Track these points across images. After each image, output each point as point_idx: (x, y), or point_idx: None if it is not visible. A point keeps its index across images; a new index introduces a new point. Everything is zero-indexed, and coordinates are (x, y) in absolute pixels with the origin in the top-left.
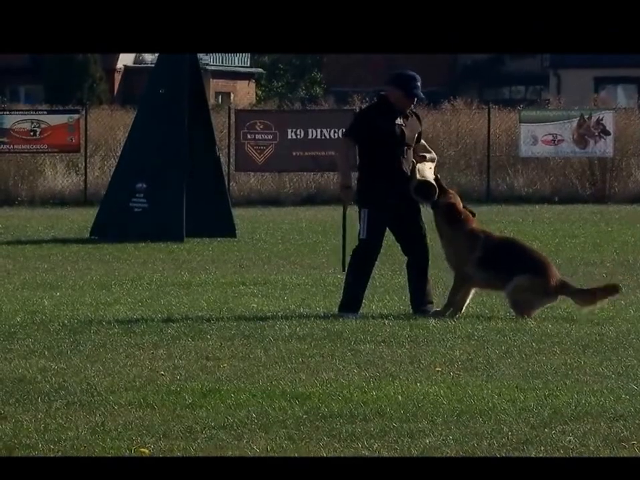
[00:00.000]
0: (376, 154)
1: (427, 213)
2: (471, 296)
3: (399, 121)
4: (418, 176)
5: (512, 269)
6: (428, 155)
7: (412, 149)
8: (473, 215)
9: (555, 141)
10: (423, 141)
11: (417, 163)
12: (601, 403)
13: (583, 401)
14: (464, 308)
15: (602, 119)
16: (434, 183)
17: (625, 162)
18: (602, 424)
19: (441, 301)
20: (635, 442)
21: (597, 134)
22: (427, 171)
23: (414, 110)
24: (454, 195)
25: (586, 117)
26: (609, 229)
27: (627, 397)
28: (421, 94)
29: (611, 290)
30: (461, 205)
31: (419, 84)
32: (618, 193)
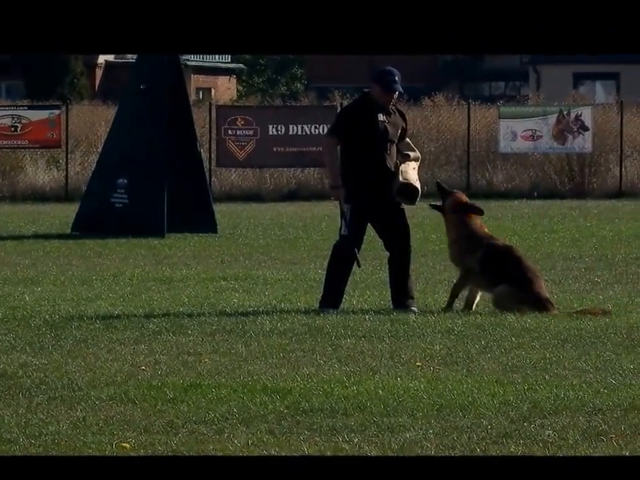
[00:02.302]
0: (359, 151)
1: (410, 210)
2: (479, 294)
3: (381, 117)
4: (401, 178)
5: (501, 277)
6: (412, 154)
7: (395, 145)
8: (482, 212)
9: (534, 136)
10: (407, 139)
11: (400, 162)
12: (579, 396)
13: (562, 395)
14: (474, 306)
15: (581, 115)
16: (416, 184)
17: (604, 157)
18: (581, 418)
19: (422, 296)
20: (613, 435)
21: (575, 130)
22: (410, 171)
23: (397, 107)
24: (460, 194)
25: (565, 112)
26: (588, 224)
27: (606, 390)
28: (399, 88)
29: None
30: (468, 202)
31: (396, 78)
32: (596, 189)
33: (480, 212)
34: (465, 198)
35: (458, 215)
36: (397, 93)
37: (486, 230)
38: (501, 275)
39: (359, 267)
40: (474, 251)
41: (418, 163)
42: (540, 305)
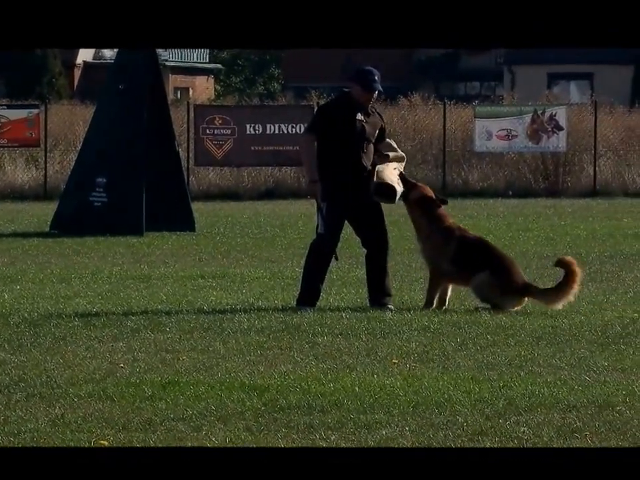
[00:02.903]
0: (336, 149)
1: (388, 207)
2: (450, 289)
3: (359, 116)
4: (375, 177)
5: (478, 268)
6: (391, 154)
7: (372, 144)
8: (445, 202)
9: (509, 136)
10: (388, 140)
11: (379, 162)
12: (554, 394)
13: (537, 392)
14: (447, 301)
15: (555, 115)
16: (392, 184)
17: (578, 157)
18: (555, 415)
19: (398, 294)
20: (587, 432)
21: (550, 129)
22: (387, 171)
23: (376, 108)
24: (424, 187)
25: (539, 112)
26: (562, 222)
27: (580, 388)
28: (380, 87)
29: (572, 278)
30: (433, 196)
31: (376, 77)
32: (571, 188)
33: (444, 202)
34: (430, 191)
35: (424, 208)
36: (377, 92)
37: (452, 221)
38: (476, 266)
39: (337, 260)
40: (446, 246)
41: (403, 163)
42: (524, 292)
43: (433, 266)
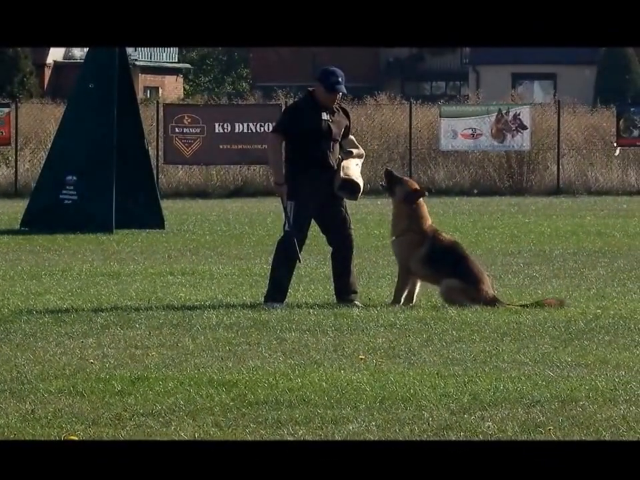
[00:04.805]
0: (303, 148)
1: (353, 206)
2: (418, 285)
3: (325, 116)
4: (342, 173)
5: (449, 271)
6: (355, 151)
7: (338, 143)
8: (430, 191)
9: (474, 135)
10: (351, 136)
11: (343, 159)
12: (518, 389)
13: (501, 387)
14: (415, 298)
15: (519, 114)
16: (357, 180)
17: (542, 155)
18: (519, 409)
19: (365, 291)
20: (551, 427)
21: (514, 128)
22: (352, 167)
23: (341, 105)
24: (411, 182)
25: (504, 111)
26: (526, 220)
27: (544, 383)
28: (343, 88)
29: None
30: (419, 189)
31: (340, 79)
32: (534, 186)
33: (428, 190)
34: (415, 185)
35: (409, 205)
36: (340, 93)
37: (430, 223)
38: (448, 270)
39: (299, 262)
40: (418, 246)
41: (362, 160)
42: (490, 304)
43: (402, 264)
